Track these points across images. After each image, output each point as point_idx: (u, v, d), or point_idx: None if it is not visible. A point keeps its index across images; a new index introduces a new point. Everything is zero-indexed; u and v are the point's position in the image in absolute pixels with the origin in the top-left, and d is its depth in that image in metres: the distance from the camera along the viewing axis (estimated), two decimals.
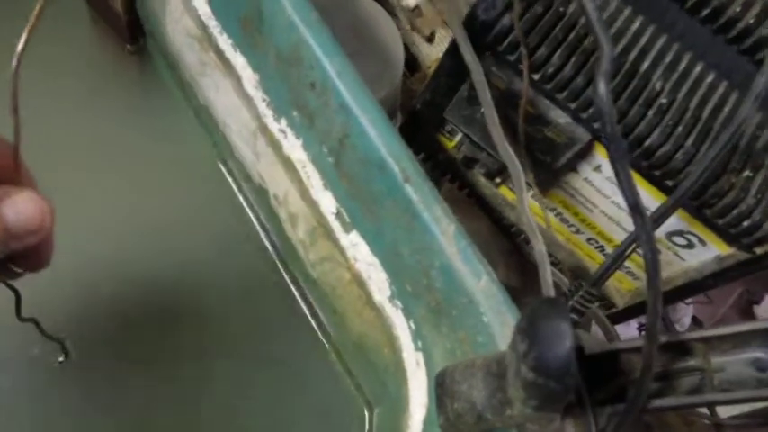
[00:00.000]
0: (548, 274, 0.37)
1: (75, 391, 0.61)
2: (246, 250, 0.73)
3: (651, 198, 0.47)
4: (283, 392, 0.70)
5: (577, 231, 0.58)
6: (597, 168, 0.49)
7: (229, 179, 0.75)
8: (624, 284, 0.62)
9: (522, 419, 0.38)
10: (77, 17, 0.79)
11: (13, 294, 0.42)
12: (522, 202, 0.42)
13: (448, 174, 0.62)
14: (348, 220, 0.58)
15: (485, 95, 0.44)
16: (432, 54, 0.84)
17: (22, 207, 0.30)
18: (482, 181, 0.60)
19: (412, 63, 0.83)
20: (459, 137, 0.55)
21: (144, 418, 0.63)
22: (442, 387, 0.44)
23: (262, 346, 0.70)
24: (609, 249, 0.58)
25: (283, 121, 0.61)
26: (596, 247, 0.59)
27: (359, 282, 0.61)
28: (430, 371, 0.54)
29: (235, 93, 0.67)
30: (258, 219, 0.73)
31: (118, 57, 0.78)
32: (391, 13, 0.78)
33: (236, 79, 0.65)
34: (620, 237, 0.55)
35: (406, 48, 0.80)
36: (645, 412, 0.34)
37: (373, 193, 0.51)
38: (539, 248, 0.39)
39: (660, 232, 0.50)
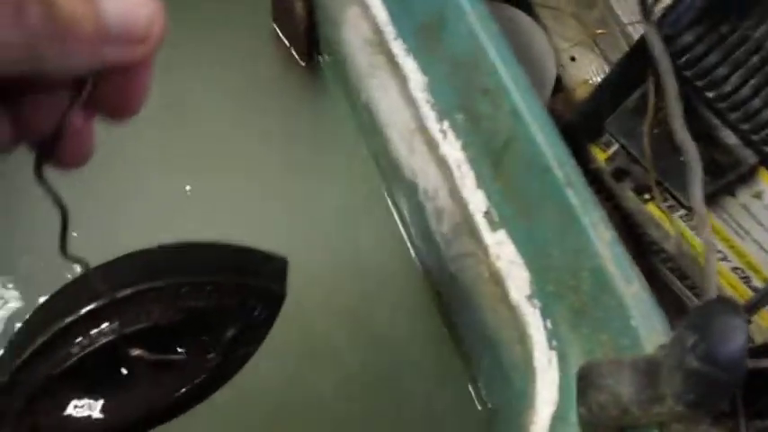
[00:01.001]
0: (713, 276, 0.40)
1: None
2: (388, 244, 0.79)
3: None
4: (396, 373, 0.74)
5: (724, 258, 0.59)
6: (758, 195, 0.50)
7: (380, 178, 0.81)
8: (766, 321, 0.62)
9: (669, 417, 0.39)
10: (257, 29, 0.88)
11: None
12: (695, 194, 0.43)
13: (594, 185, 0.65)
14: (497, 219, 0.61)
15: (670, 85, 0.45)
16: (577, 75, 0.87)
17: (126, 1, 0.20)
18: (629, 195, 0.62)
19: (555, 83, 0.86)
20: (614, 148, 0.58)
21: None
22: (585, 380, 0.47)
23: (383, 330, 0.75)
24: (756, 281, 0.58)
25: (445, 123, 0.66)
26: (741, 278, 0.60)
27: (497, 279, 0.64)
28: (563, 370, 0.56)
29: (399, 94, 0.73)
30: (401, 215, 0.78)
31: (291, 67, 0.87)
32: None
33: (403, 82, 0.71)
34: None
35: None
36: None
37: (531, 195, 0.55)
38: (708, 246, 0.41)
39: None
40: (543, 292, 0.58)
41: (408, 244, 0.78)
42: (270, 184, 0.79)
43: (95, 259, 0.36)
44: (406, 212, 0.78)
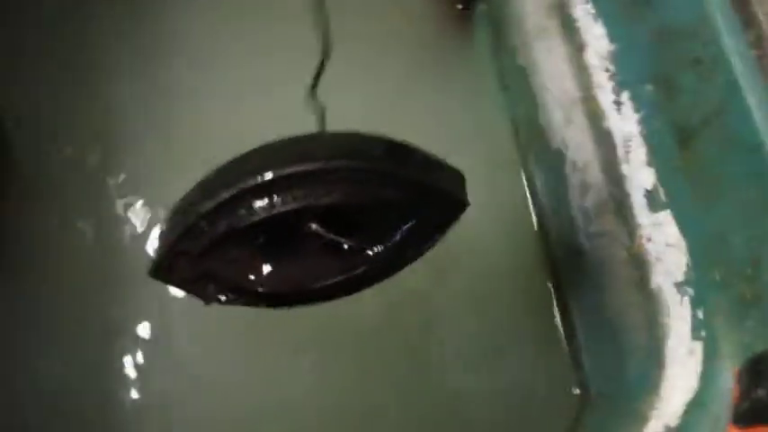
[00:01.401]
0: None
1: None
2: (511, 211, 0.77)
3: None
4: (496, 343, 0.72)
5: None
6: None
7: (515, 142, 0.79)
8: None
9: None
10: None
11: None
12: None
13: None
14: (664, 198, 0.59)
15: None
16: None
17: None
18: None
19: None
20: None
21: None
22: (760, 374, 0.45)
23: (488, 295, 0.73)
24: None
25: (624, 94, 0.64)
26: None
27: (637, 263, 0.62)
28: (709, 361, 0.54)
29: (568, 60, 0.71)
30: (532, 184, 0.77)
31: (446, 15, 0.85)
32: None
33: (579, 48, 0.69)
34: None
35: None
36: None
37: (725, 175, 0.53)
38: None
39: None
40: (702, 279, 0.56)
41: (533, 214, 0.76)
42: (391, 119, 0.77)
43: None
44: (540, 182, 0.76)
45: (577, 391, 0.69)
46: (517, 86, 0.79)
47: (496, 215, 0.76)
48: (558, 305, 0.71)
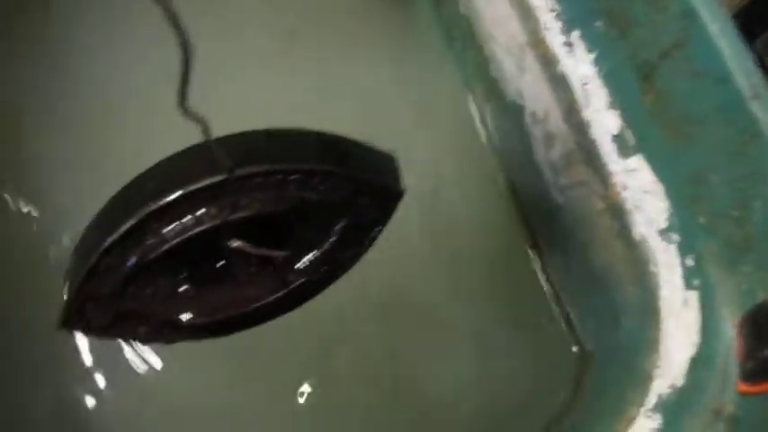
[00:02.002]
0: None
1: None
2: (475, 175, 0.72)
3: None
4: (481, 312, 0.68)
5: None
6: None
7: (469, 99, 0.74)
8: None
9: None
10: None
11: None
12: None
13: None
14: (632, 142, 0.55)
15: None
16: None
17: None
18: None
19: None
20: None
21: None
22: (762, 329, 0.41)
23: (467, 263, 0.69)
24: None
25: (574, 34, 0.58)
26: None
27: (615, 212, 0.58)
28: (707, 310, 0.51)
29: (509, 3, 0.65)
30: (491, 141, 0.72)
31: None
32: None
33: None
34: None
35: None
36: None
37: (694, 111, 0.48)
38: None
39: None
40: (687, 224, 0.52)
41: (500, 174, 0.72)
42: (340, 84, 0.72)
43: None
44: (501, 139, 0.71)
45: (575, 350, 0.66)
46: (463, 38, 0.73)
47: (460, 181, 0.71)
48: (540, 266, 0.68)
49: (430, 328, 0.66)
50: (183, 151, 0.34)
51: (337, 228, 0.39)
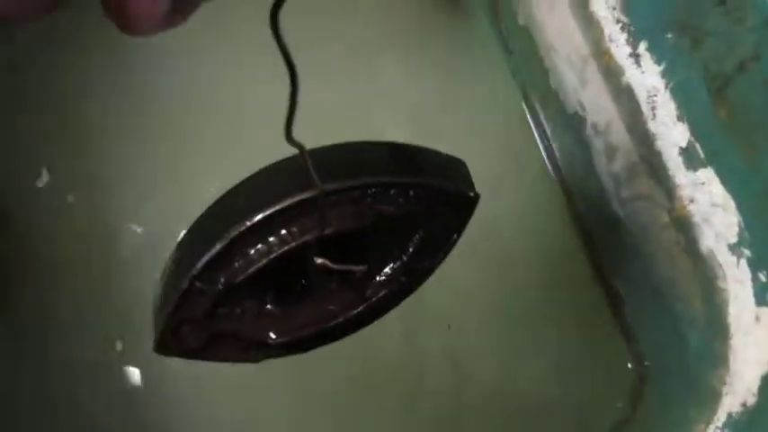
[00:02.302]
0: None
1: None
2: (533, 186, 0.72)
3: None
4: (538, 322, 0.68)
5: None
6: None
7: (527, 111, 0.74)
8: None
9: None
10: None
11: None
12: None
13: None
14: (702, 155, 0.54)
15: None
16: None
17: None
18: None
19: None
20: None
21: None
22: None
23: (524, 275, 0.69)
24: None
25: (642, 45, 0.58)
26: None
27: (682, 226, 0.58)
28: None
29: (572, 15, 0.65)
30: (550, 153, 0.72)
31: None
32: None
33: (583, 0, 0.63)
34: None
35: None
36: None
37: None
38: None
39: None
40: (759, 239, 0.51)
41: (558, 185, 0.72)
42: (394, 99, 0.72)
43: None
44: (560, 151, 0.71)
45: (634, 364, 0.65)
46: (522, 50, 0.73)
47: (517, 193, 0.71)
48: (597, 279, 0.67)
49: (485, 334, 0.66)
50: (267, 168, 0.34)
51: (414, 239, 0.38)
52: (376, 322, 0.40)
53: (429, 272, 0.40)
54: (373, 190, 0.35)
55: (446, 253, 0.40)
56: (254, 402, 0.61)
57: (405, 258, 0.39)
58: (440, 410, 0.64)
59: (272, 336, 0.38)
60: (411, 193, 0.36)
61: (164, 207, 0.63)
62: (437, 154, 0.39)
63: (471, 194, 0.38)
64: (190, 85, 0.67)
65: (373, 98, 0.72)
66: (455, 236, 0.40)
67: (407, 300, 0.40)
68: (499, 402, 0.65)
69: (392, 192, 0.35)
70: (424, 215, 0.37)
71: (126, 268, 0.62)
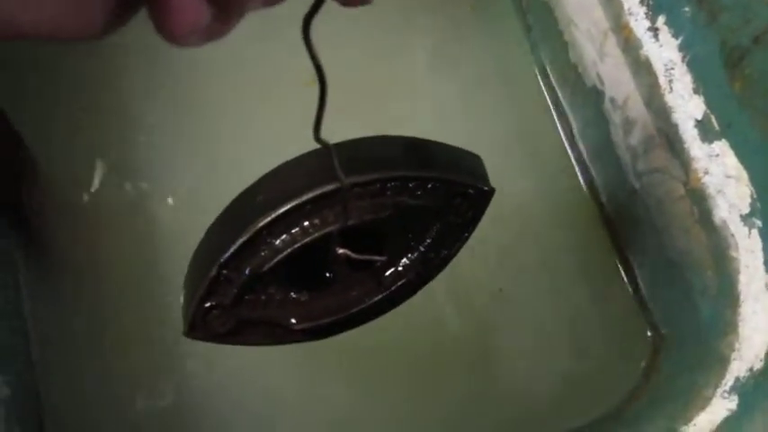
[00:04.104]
0: None
1: None
2: (549, 158, 0.73)
3: None
4: (555, 295, 0.69)
5: None
6: None
7: (546, 87, 0.75)
8: None
9: None
10: None
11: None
12: None
13: None
14: (717, 127, 0.55)
15: None
16: None
17: None
18: None
19: None
20: None
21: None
22: None
23: (541, 248, 0.70)
24: None
25: (660, 19, 0.59)
26: None
27: (696, 197, 0.59)
28: None
29: None
30: (568, 127, 0.73)
31: None
32: None
33: None
34: None
35: None
36: None
37: None
38: None
39: None
40: None
41: (572, 159, 0.73)
42: (417, 82, 0.74)
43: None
44: (577, 125, 0.72)
45: (649, 333, 0.67)
46: (541, 25, 0.74)
47: (532, 165, 0.73)
48: (614, 249, 0.68)
49: (502, 302, 0.68)
50: (292, 161, 0.36)
51: (432, 230, 0.40)
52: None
53: (446, 261, 0.42)
54: (393, 183, 0.36)
55: (462, 243, 0.42)
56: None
57: (422, 249, 0.41)
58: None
59: (296, 322, 0.40)
60: (429, 186, 0.37)
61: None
62: (455, 149, 0.40)
63: (486, 188, 0.40)
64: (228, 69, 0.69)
65: (393, 75, 0.74)
66: (471, 227, 0.41)
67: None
68: (517, 371, 0.67)
69: (411, 185, 0.37)
70: (442, 208, 0.39)
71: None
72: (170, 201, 0.67)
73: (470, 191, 0.39)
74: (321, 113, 0.26)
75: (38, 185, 0.65)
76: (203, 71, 0.70)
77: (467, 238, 0.42)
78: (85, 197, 0.66)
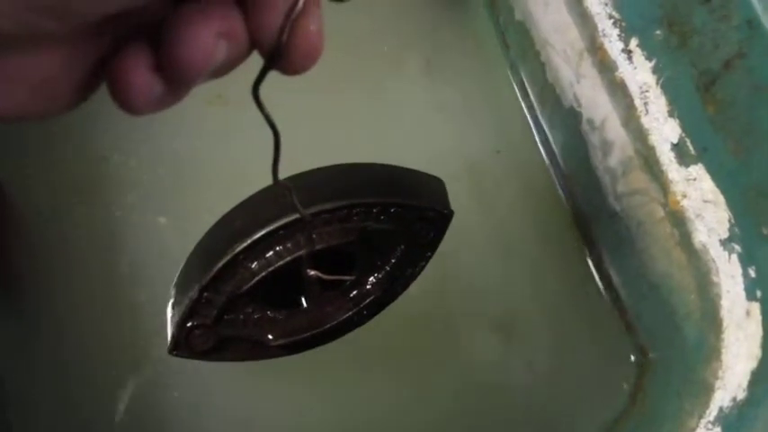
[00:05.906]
0: None
1: None
2: (531, 181, 0.73)
3: None
4: (536, 317, 0.69)
5: None
6: None
7: (525, 107, 0.74)
8: None
9: None
10: None
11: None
12: None
13: None
14: (693, 151, 0.55)
15: None
16: None
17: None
18: None
19: None
20: None
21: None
22: None
23: (523, 271, 0.70)
24: None
25: (633, 41, 0.58)
26: None
27: (676, 220, 0.58)
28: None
29: (567, 10, 0.65)
30: (547, 143, 0.72)
31: None
32: None
33: None
34: None
35: None
36: None
37: (756, 122, 0.48)
38: None
39: None
40: (750, 235, 0.51)
41: (555, 179, 0.72)
42: (396, 102, 0.73)
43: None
44: (557, 145, 0.71)
45: (634, 357, 0.66)
46: (519, 44, 0.73)
47: (515, 186, 0.72)
48: (597, 273, 0.68)
49: (483, 327, 0.67)
50: (262, 191, 0.41)
51: (397, 250, 0.44)
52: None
53: (411, 279, 0.45)
54: (357, 209, 0.40)
55: (426, 262, 0.44)
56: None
57: (388, 268, 0.44)
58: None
59: (273, 338, 0.43)
60: (392, 210, 0.41)
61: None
62: (417, 173, 0.44)
63: (446, 212, 0.43)
64: None
65: (369, 94, 0.73)
66: (433, 247, 0.45)
67: None
68: (503, 390, 0.66)
69: (374, 210, 0.40)
70: (405, 230, 0.42)
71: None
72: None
73: (431, 214, 0.42)
74: (277, 160, 0.29)
75: None
76: None
77: (430, 257, 0.45)
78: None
